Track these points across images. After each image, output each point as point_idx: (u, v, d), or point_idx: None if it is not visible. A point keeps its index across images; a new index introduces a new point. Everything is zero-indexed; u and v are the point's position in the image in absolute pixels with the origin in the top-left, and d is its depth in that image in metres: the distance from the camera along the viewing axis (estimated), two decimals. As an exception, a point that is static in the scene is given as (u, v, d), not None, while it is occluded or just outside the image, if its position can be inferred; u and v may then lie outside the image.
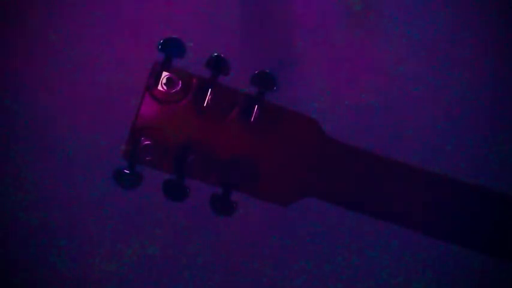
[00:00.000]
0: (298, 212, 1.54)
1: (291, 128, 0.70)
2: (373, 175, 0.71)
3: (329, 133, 0.70)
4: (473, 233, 0.72)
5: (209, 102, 0.67)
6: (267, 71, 0.67)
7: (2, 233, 1.57)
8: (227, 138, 0.69)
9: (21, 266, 1.55)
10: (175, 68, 0.67)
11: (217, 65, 0.66)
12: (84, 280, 1.55)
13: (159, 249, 1.56)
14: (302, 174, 0.70)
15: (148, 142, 0.66)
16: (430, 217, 0.72)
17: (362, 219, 0.73)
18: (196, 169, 0.67)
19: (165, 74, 0.67)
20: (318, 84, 1.64)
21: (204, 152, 0.67)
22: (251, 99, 0.68)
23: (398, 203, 0.71)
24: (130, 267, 1.55)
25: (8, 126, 1.62)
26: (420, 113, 1.65)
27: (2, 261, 1.56)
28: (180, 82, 0.67)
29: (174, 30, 1.62)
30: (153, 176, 0.68)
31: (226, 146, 0.69)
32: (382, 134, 1.60)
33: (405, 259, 1.56)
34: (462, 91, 1.66)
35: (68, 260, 1.55)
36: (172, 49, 0.66)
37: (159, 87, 0.67)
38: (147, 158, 0.66)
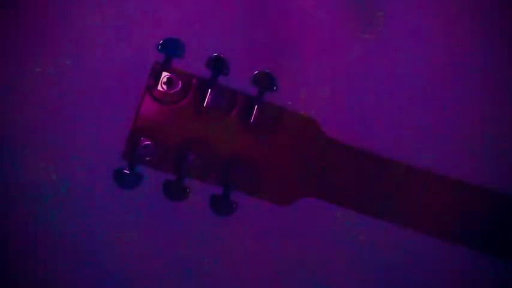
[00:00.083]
0: (298, 213, 1.54)
1: (291, 128, 0.70)
2: (373, 175, 0.71)
3: (329, 133, 0.70)
4: (473, 233, 0.72)
5: (209, 102, 0.67)
6: (267, 71, 0.67)
7: (2, 233, 1.57)
8: (227, 139, 0.69)
9: (21, 266, 1.55)
10: (175, 68, 0.67)
11: (217, 65, 0.67)
12: (84, 280, 1.55)
13: (158, 249, 1.57)
14: (302, 174, 0.70)
15: (148, 142, 0.66)
16: (430, 217, 0.72)
17: (362, 219, 0.73)
18: (196, 169, 0.67)
19: (165, 74, 0.67)
20: (318, 84, 1.64)
21: (204, 152, 0.68)
22: (251, 100, 0.68)
23: (398, 202, 0.71)
24: (130, 268, 1.55)
25: (8, 126, 1.62)
26: (420, 113, 1.65)
27: (2, 261, 1.56)
28: (180, 82, 0.67)
29: (173, 30, 1.62)
30: (152, 176, 0.68)
31: (226, 146, 0.69)
32: (382, 134, 1.60)
33: (405, 259, 1.56)
34: (462, 91, 1.66)
35: (68, 261, 1.55)
36: (172, 49, 0.66)
37: (159, 88, 0.67)
38: (147, 158, 0.66)
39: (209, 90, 0.67)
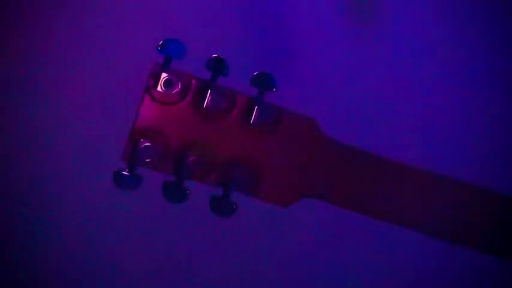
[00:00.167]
0: (298, 213, 1.54)
1: (290, 129, 0.70)
2: (373, 175, 0.71)
3: (329, 133, 0.70)
4: (473, 233, 0.72)
5: (209, 103, 0.67)
6: (267, 71, 0.67)
7: (3, 234, 1.57)
8: (227, 139, 0.69)
9: (21, 266, 1.55)
10: (174, 69, 0.67)
11: (217, 65, 0.67)
12: (84, 280, 1.55)
13: (158, 251, 1.57)
14: (302, 175, 0.70)
15: (148, 144, 0.66)
16: (430, 217, 0.72)
17: (362, 219, 0.73)
18: (196, 170, 0.67)
19: (164, 75, 0.67)
20: (318, 84, 1.64)
21: (204, 153, 0.68)
22: (251, 100, 0.68)
23: (398, 202, 0.71)
24: (130, 269, 1.55)
25: (7, 126, 1.62)
26: (420, 113, 1.65)
27: (2, 261, 1.56)
28: (180, 83, 0.67)
29: (173, 31, 1.62)
30: (152, 177, 0.68)
31: (226, 147, 0.69)
32: (382, 134, 1.60)
33: (405, 259, 1.56)
34: (463, 91, 1.66)
35: (67, 261, 1.55)
36: (171, 50, 0.66)
37: (159, 89, 0.67)
38: (146, 160, 0.66)
39: (209, 91, 0.67)
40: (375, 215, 0.72)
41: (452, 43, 1.69)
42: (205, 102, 0.67)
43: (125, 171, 0.66)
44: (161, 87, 0.67)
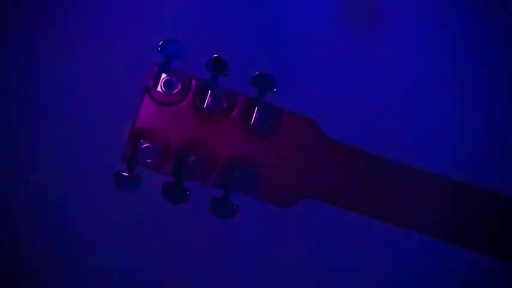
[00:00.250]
0: (298, 213, 1.53)
1: (291, 129, 0.70)
2: (373, 175, 0.71)
3: (329, 133, 0.70)
4: (473, 233, 0.72)
5: (209, 103, 0.67)
6: (267, 72, 0.67)
7: (3, 234, 1.57)
8: (227, 140, 0.69)
9: (21, 266, 1.55)
10: (174, 70, 0.67)
11: (217, 66, 0.67)
12: (83, 281, 1.55)
13: (158, 252, 1.56)
14: (303, 176, 0.70)
15: (148, 144, 0.66)
16: (430, 217, 0.72)
17: (362, 219, 0.73)
18: (196, 171, 0.67)
19: (164, 75, 0.67)
20: (318, 85, 1.64)
21: (204, 154, 0.67)
22: (251, 101, 0.68)
23: (398, 203, 0.71)
24: (130, 269, 1.55)
25: (7, 127, 1.62)
26: (420, 113, 1.65)
27: (3, 261, 1.56)
28: (180, 84, 0.67)
29: (173, 31, 1.62)
30: (152, 178, 0.68)
31: (227, 148, 0.69)
32: (382, 134, 1.60)
33: (405, 259, 1.56)
34: (463, 91, 1.66)
35: (67, 261, 1.55)
36: (171, 51, 0.66)
37: (159, 89, 0.67)
38: (146, 161, 0.66)
39: (209, 91, 0.67)
40: (374, 216, 0.72)
41: (452, 43, 1.69)
42: (206, 103, 0.67)
43: (124, 172, 0.66)
44: (161, 88, 0.67)
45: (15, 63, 1.64)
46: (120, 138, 0.69)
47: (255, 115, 0.68)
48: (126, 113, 0.75)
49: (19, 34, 1.65)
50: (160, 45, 0.66)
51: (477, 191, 0.72)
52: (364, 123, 1.61)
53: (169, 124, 0.68)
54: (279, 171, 0.70)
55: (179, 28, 1.65)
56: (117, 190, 0.66)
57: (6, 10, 1.64)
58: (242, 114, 0.68)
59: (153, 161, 0.66)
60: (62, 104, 1.62)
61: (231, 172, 0.67)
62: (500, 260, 0.73)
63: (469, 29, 1.69)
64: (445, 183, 0.72)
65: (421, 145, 1.61)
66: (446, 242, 0.73)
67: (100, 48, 1.66)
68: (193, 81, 0.68)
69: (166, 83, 0.67)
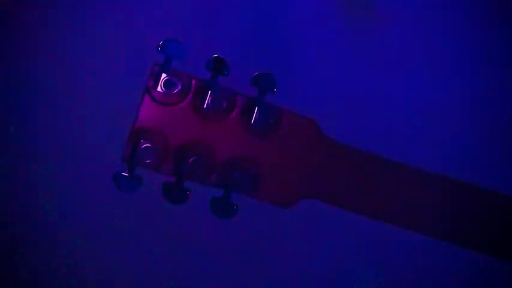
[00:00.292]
0: (298, 214, 1.53)
1: (291, 129, 0.70)
2: (373, 175, 0.71)
3: (329, 133, 0.70)
4: (473, 233, 0.72)
5: (209, 103, 0.67)
6: (267, 72, 0.67)
7: (3, 233, 1.57)
8: (227, 140, 0.69)
9: (21, 266, 1.55)
10: (174, 70, 0.67)
11: (217, 66, 0.66)
12: (83, 281, 1.55)
13: (158, 252, 1.56)
14: (303, 176, 0.70)
15: (148, 144, 0.66)
16: (430, 217, 0.72)
17: (362, 219, 0.73)
18: (196, 171, 0.67)
19: (164, 75, 0.67)
20: (318, 84, 1.64)
21: (204, 154, 0.67)
22: (251, 101, 0.68)
23: (398, 203, 0.71)
24: (130, 270, 1.55)
25: (7, 126, 1.62)
26: (420, 113, 1.65)
27: (4, 261, 1.55)
28: (180, 84, 0.67)
29: (173, 31, 1.62)
30: (152, 178, 0.68)
31: (227, 148, 0.69)
32: (382, 134, 1.60)
33: (405, 259, 1.56)
34: (463, 92, 1.66)
35: (67, 261, 1.55)
36: (171, 51, 0.66)
37: (159, 89, 0.67)
38: (146, 161, 0.66)
39: (209, 91, 0.67)
40: (374, 216, 0.72)
41: (452, 43, 1.69)
42: (206, 103, 0.67)
43: (125, 172, 0.66)
44: (161, 88, 0.67)
45: (15, 63, 1.64)
46: (120, 138, 0.69)
47: (255, 115, 0.67)
48: (126, 112, 0.75)
49: (19, 34, 1.65)
50: (160, 45, 0.65)
51: (477, 191, 0.72)
52: (364, 123, 1.61)
53: (169, 124, 0.68)
54: (279, 171, 0.70)
55: (179, 28, 1.65)
56: (118, 190, 0.66)
57: (6, 10, 1.64)
58: (242, 114, 0.68)
59: (153, 161, 0.66)
60: (62, 104, 1.62)
61: (231, 172, 0.67)
62: (500, 260, 0.73)
63: (469, 29, 1.69)
64: (445, 183, 0.72)
65: (421, 145, 1.61)
66: (446, 242, 0.73)
67: (100, 48, 1.66)
68: (193, 81, 0.68)
69: (166, 83, 0.67)
